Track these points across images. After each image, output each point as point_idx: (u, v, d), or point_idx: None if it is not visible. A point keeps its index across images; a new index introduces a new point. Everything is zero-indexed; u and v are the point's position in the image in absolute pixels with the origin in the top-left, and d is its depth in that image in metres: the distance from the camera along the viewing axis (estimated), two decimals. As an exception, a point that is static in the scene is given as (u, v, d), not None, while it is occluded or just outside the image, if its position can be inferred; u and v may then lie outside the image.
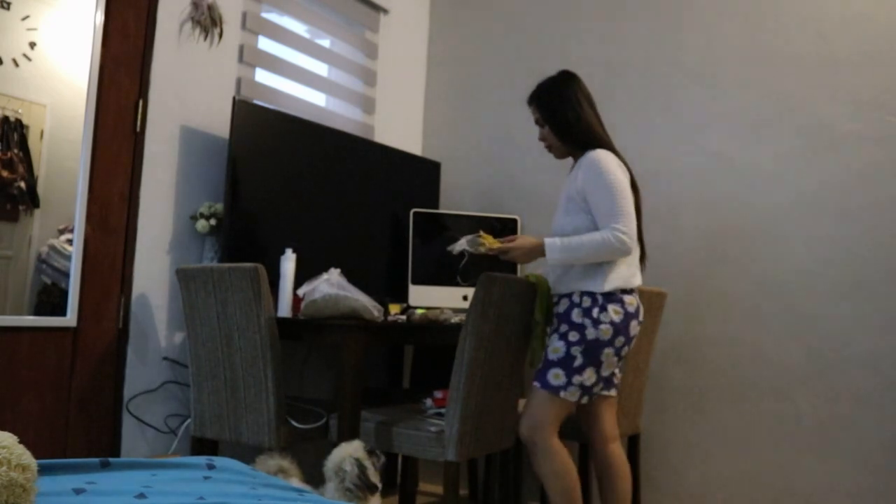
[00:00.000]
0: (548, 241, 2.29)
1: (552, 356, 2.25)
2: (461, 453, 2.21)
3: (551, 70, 2.43)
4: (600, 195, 2.23)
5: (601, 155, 2.26)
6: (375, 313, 2.32)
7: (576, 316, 2.24)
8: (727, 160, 3.01)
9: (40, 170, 2.31)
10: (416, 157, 3.50)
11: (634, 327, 2.28)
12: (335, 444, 2.27)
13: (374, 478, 2.02)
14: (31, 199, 2.29)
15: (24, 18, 2.26)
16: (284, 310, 2.51)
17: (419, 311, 2.74)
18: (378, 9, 3.62)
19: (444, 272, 3.20)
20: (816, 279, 2.80)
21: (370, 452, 2.07)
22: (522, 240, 2.36)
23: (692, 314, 3.02)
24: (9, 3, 2.22)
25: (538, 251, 2.31)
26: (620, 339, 2.24)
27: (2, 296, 2.22)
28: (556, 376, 2.23)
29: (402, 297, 3.17)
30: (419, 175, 3.49)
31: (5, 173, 2.21)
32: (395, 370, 3.53)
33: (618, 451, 2.40)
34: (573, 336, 2.23)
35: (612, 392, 2.42)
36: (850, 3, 2.83)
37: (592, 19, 3.39)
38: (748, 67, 3.00)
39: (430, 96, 3.87)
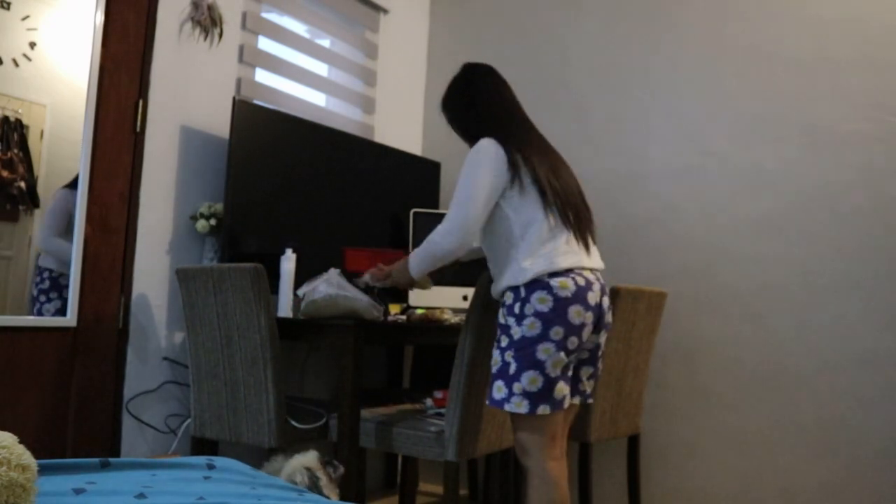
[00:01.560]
0: (410, 255, 2.14)
1: (493, 368, 2.02)
2: (461, 453, 2.21)
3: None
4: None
5: (477, 145, 2.03)
6: (375, 313, 2.32)
7: (501, 317, 2.01)
8: (727, 160, 3.01)
9: (40, 170, 2.30)
10: (416, 157, 3.50)
11: (578, 313, 1.91)
12: (335, 444, 2.26)
13: (328, 489, 1.94)
14: (31, 199, 2.29)
15: (24, 18, 2.26)
16: (284, 310, 2.51)
17: (419, 311, 2.74)
18: (378, 9, 3.62)
19: (443, 272, 3.20)
20: (816, 279, 2.80)
21: (326, 463, 2.01)
22: (395, 264, 2.21)
23: (692, 314, 3.02)
24: (9, 3, 2.22)
25: (404, 267, 2.16)
26: (558, 331, 1.90)
27: (2, 296, 2.22)
28: (498, 389, 1.97)
29: (402, 297, 3.17)
30: (419, 175, 3.49)
31: (5, 173, 2.21)
32: (395, 370, 3.53)
33: (557, 469, 1.98)
34: (503, 341, 1.98)
35: (575, 400, 2.06)
36: (850, 4, 2.83)
37: (592, 20, 3.38)
38: (748, 67, 3.00)
39: (430, 96, 3.87)
